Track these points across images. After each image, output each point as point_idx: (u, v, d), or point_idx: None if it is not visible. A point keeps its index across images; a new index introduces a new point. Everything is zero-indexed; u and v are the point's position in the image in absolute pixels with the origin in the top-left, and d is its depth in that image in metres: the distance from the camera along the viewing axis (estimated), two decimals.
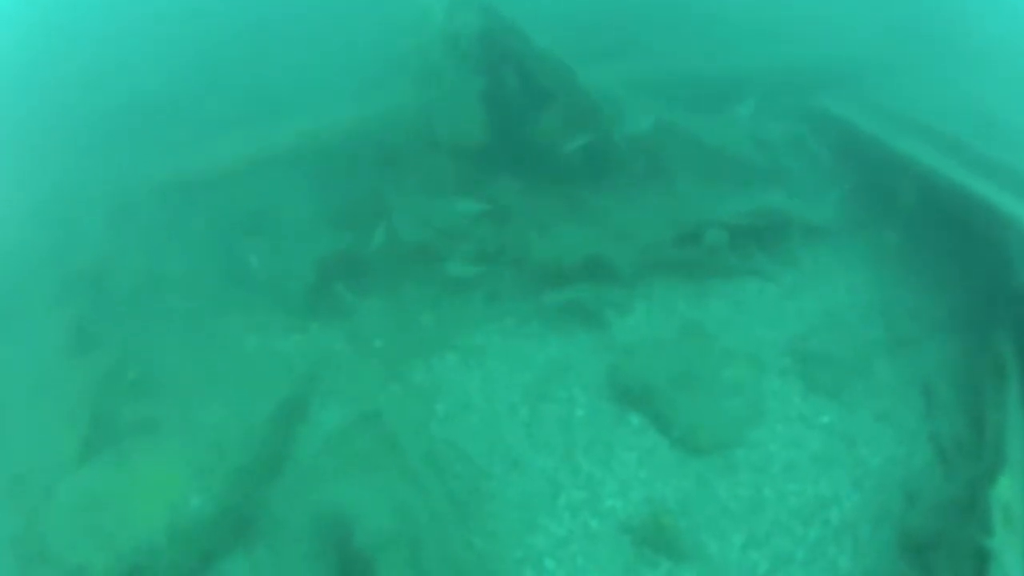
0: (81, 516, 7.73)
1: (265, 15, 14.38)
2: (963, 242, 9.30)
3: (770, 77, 12.68)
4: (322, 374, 8.84)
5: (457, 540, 7.04)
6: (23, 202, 11.80)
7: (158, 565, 7.21)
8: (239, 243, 10.32)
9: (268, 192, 10.63)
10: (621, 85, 11.52)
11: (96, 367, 9.34)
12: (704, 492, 7.64)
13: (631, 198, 10.63)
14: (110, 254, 10.47)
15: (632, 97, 11.36)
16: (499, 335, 9.32)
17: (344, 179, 10.60)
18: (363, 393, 8.57)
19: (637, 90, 11.62)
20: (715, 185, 11.05)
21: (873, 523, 7.25)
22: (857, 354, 8.87)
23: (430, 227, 9.94)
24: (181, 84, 12.88)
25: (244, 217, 10.54)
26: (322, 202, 10.62)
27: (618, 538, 7.23)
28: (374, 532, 6.73)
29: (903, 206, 10.10)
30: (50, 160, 12.08)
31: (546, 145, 10.33)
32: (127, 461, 8.11)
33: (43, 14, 16.78)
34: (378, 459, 7.57)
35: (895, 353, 8.96)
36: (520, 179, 10.53)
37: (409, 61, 11.11)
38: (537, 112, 10.40)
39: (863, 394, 8.47)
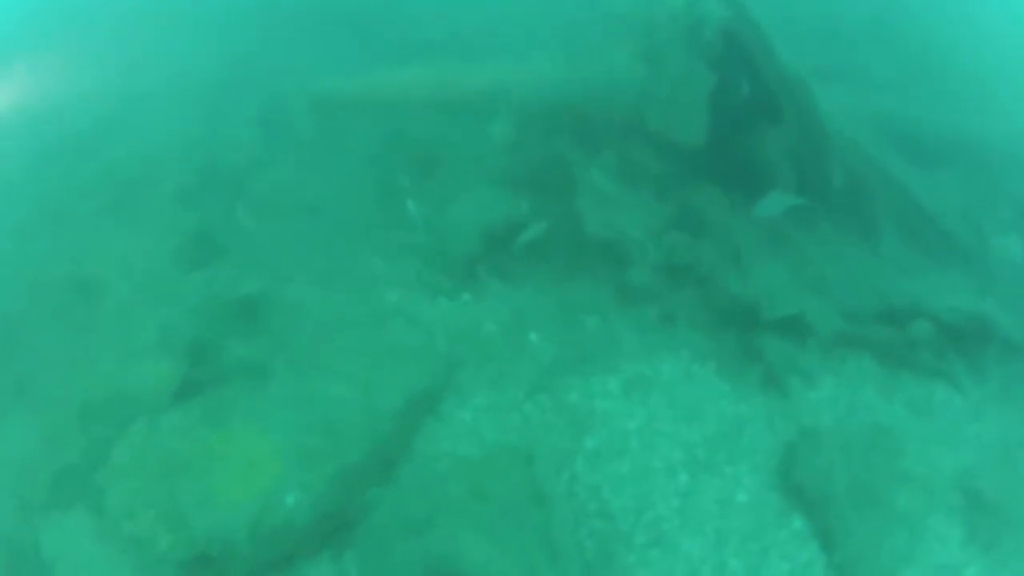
0: (155, 478, 6.71)
1: None
2: None
3: (1002, 149, 11.29)
4: (465, 359, 7.80)
5: None
6: (172, 90, 10.76)
7: (231, 561, 6.30)
8: (400, 182, 9.25)
9: (445, 135, 9.50)
10: (848, 114, 10.20)
11: (209, 284, 8.38)
12: None
13: (835, 247, 9.46)
14: (252, 160, 9.51)
15: (857, 132, 10.05)
16: (670, 369, 8.14)
17: (534, 142, 9.43)
18: (507, 399, 7.57)
19: (863, 123, 10.32)
20: (922, 260, 9.82)
21: None
22: (1017, 504, 7.92)
23: (618, 220, 8.78)
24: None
25: (412, 155, 9.44)
26: (504, 160, 9.48)
27: None
28: None
29: None
30: (212, 52, 10.99)
31: (764, 165, 9.13)
32: (221, 422, 7.08)
33: None
34: (509, 489, 6.68)
35: None
36: (727, 194, 9.33)
37: (631, 34, 9.82)
38: (763, 128, 9.17)
39: (1011, 552, 7.59)
